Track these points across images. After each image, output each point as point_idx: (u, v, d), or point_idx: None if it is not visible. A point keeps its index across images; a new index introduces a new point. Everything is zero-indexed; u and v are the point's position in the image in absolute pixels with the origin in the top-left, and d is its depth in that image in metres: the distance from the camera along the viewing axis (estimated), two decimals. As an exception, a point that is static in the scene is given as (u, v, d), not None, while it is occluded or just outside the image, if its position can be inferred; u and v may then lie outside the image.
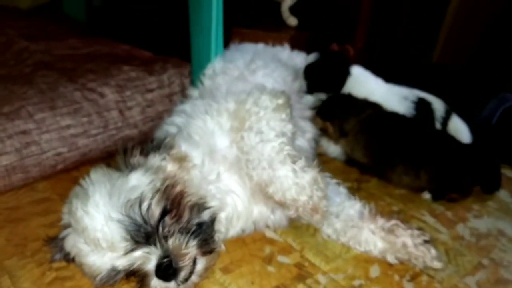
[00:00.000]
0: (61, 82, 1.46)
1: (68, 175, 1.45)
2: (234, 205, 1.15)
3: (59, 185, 1.40)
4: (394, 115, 1.65)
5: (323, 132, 1.69)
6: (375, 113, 1.64)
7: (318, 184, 1.09)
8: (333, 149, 1.73)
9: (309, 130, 1.49)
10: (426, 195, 1.51)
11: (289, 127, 1.20)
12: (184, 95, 1.70)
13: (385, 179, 1.60)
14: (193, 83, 1.71)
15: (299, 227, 1.28)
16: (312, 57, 1.88)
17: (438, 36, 2.73)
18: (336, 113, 1.65)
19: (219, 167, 1.15)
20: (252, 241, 1.23)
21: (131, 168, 1.03)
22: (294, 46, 2.09)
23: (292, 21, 2.41)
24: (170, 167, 1.05)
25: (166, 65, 1.70)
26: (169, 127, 1.29)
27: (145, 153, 1.09)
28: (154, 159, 1.06)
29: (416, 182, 1.50)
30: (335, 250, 1.22)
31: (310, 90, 1.81)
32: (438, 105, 1.80)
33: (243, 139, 1.14)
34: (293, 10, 2.46)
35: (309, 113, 1.57)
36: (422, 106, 1.79)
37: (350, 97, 1.71)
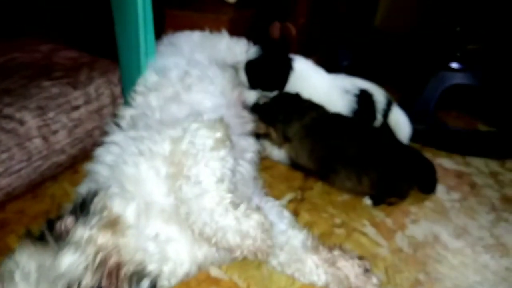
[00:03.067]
0: (-29, 112, 1.30)
1: (-8, 218, 1.34)
2: (176, 255, 1.12)
3: (-17, 233, 1.29)
4: (337, 118, 1.63)
5: (266, 137, 1.65)
6: (318, 116, 1.61)
7: (263, 227, 1.08)
8: (277, 153, 1.70)
9: (250, 149, 1.44)
10: (367, 201, 1.54)
11: (229, 165, 1.15)
12: (115, 106, 1.58)
13: (329, 182, 1.60)
14: (123, 92, 1.58)
15: (244, 259, 1.27)
16: (252, 51, 1.78)
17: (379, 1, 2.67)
18: (279, 118, 1.60)
19: (157, 220, 1.10)
20: (197, 283, 1.22)
21: (59, 242, 0.95)
22: (234, 29, 1.97)
23: (231, -4, 2.24)
24: (101, 237, 0.99)
25: (92, 73, 1.54)
26: (100, 167, 1.19)
27: (75, 218, 1.01)
28: (83, 230, 0.98)
29: (358, 187, 1.51)
30: (280, 283, 1.23)
31: (252, 86, 1.74)
32: (379, 97, 1.79)
33: (181, 190, 1.08)
34: (230, -17, 2.29)
35: (250, 126, 1.50)
36: (363, 98, 1.78)
37: (293, 100, 1.66)
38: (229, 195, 1.08)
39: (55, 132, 1.41)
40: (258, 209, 1.12)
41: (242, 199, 1.13)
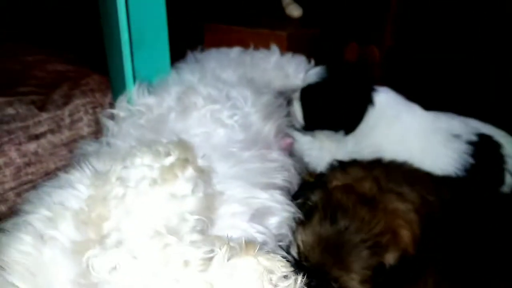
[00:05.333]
0: None
1: None
2: None
3: None
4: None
5: None
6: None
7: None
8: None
9: (277, 210, 0.84)
10: None
11: (189, 206, 0.64)
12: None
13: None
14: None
15: None
16: (313, 73, 1.22)
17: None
18: None
19: None
20: None
21: None
22: (295, 49, 1.46)
23: (295, 10, 1.75)
24: None
25: (72, 91, 1.09)
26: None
27: None
28: None
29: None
30: None
31: (308, 126, 1.18)
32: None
33: (92, 267, 0.56)
34: (298, -5, 1.81)
35: (282, 176, 0.91)
36: (484, 148, 1.13)
37: None
38: (172, 249, 0.57)
39: (-5, 170, 0.96)
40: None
41: None
